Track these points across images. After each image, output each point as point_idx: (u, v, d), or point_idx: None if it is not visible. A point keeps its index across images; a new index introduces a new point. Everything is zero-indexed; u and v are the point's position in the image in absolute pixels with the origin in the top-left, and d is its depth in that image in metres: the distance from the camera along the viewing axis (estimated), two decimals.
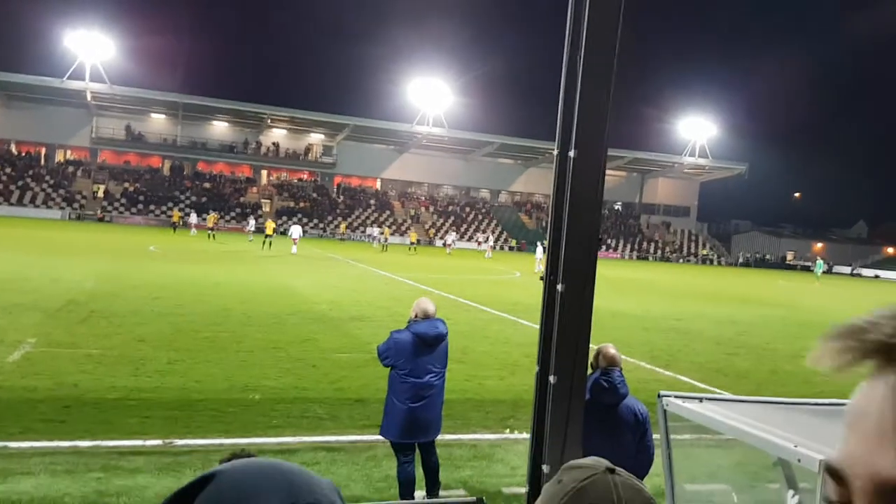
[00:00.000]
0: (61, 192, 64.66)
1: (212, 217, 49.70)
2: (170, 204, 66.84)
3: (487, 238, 59.58)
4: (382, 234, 55.11)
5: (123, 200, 66.24)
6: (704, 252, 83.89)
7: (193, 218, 53.53)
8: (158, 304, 14.87)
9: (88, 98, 64.43)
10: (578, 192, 3.79)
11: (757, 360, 13.76)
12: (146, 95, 65.43)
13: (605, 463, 1.10)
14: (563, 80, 3.90)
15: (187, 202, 67.20)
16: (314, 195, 75.20)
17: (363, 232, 68.36)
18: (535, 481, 3.95)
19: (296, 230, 39.84)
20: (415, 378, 5.51)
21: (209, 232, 47.45)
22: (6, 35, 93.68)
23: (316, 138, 77.03)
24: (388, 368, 5.68)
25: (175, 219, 54.97)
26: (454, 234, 61.61)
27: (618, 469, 1.09)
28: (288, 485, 0.93)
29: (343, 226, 64.96)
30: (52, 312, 12.73)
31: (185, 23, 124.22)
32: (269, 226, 41.58)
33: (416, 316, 5.68)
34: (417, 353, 5.52)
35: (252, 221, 47.91)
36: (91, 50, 61.71)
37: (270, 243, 39.02)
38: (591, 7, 3.72)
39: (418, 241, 52.93)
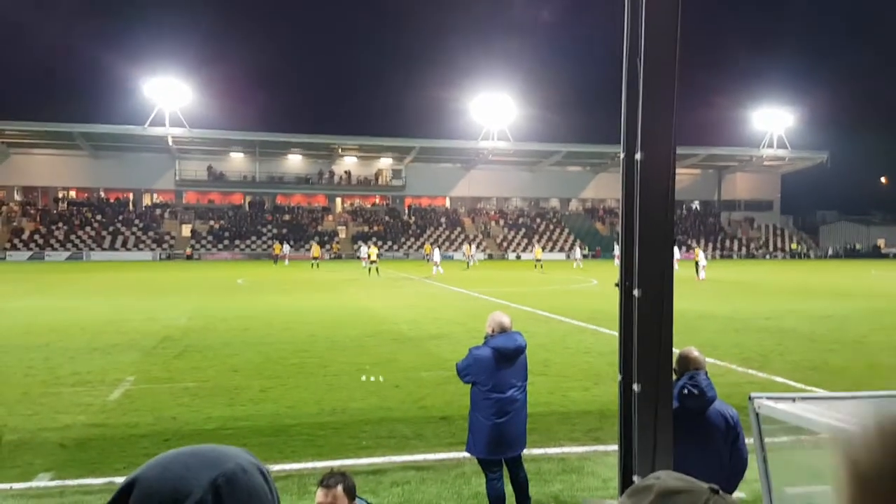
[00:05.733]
0: (150, 234, 67.83)
1: (315, 248, 51.53)
2: (253, 238, 69.30)
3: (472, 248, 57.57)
4: (470, 251, 54.97)
5: (210, 238, 68.98)
6: (794, 246, 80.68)
7: (287, 249, 57.95)
8: (248, 334, 15.36)
9: (170, 143, 67.59)
10: (648, 196, 3.74)
11: (853, 355, 13.12)
12: (224, 136, 68.33)
13: (700, 482, 0.95)
14: (625, 81, 3.86)
15: (269, 235, 69.50)
16: (387, 218, 76.41)
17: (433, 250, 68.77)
18: None
19: (436, 253, 41.34)
20: (498, 393, 5.48)
21: (313, 261, 49.13)
22: (88, 88, 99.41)
23: (385, 163, 78.40)
24: (469, 385, 5.68)
25: (277, 251, 58.00)
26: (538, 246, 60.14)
27: (720, 491, 0.94)
28: (208, 460, 0.98)
29: (428, 247, 64.77)
30: (148, 350, 13.32)
31: (255, 63, 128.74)
32: (373, 252, 41.20)
33: (492, 331, 5.63)
34: (498, 367, 5.48)
35: (365, 249, 49.00)
36: (169, 96, 64.80)
37: (378, 269, 39.32)
38: (648, 5, 3.68)
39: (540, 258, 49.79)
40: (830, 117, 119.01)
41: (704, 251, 40.08)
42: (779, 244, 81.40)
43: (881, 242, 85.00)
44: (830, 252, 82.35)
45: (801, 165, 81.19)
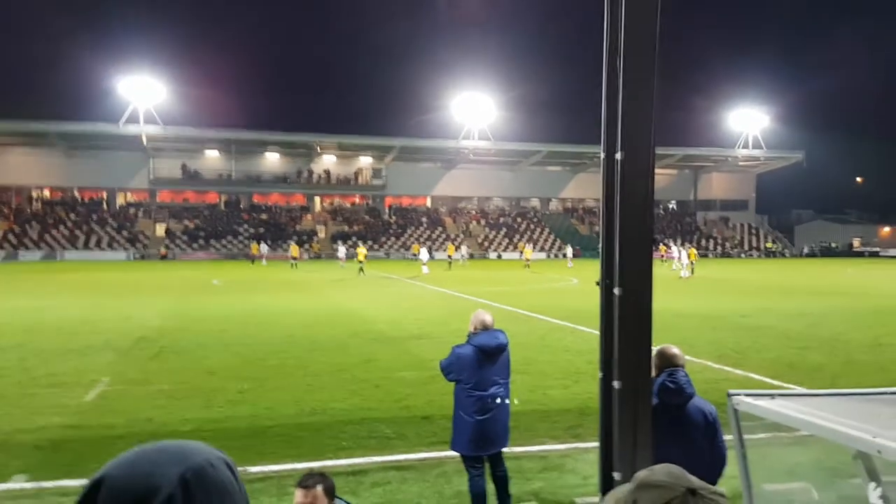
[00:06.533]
0: (124, 233, 67.01)
1: (294, 248, 51.13)
2: (229, 237, 68.74)
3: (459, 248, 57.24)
4: (454, 250, 54.61)
5: (184, 237, 68.28)
6: (769, 245, 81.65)
7: (265, 248, 57.53)
8: (225, 335, 15.23)
9: (144, 141, 66.82)
10: (629, 195, 3.76)
11: (830, 352, 13.31)
12: (199, 134, 67.67)
13: (684, 480, 0.99)
14: (605, 82, 3.88)
15: (246, 234, 68.99)
16: (367, 217, 76.19)
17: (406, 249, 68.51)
18: (608, 490, 3.90)
19: (424, 253, 41.37)
20: (480, 391, 5.52)
21: (291, 262, 48.64)
22: (61, 87, 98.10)
23: (365, 162, 78.13)
24: (452, 383, 5.70)
25: (254, 251, 57.59)
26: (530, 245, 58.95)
27: (699, 488, 0.98)
28: (174, 456, 0.98)
29: (416, 247, 63.78)
30: (124, 351, 13.16)
31: (232, 61, 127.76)
32: (361, 252, 41.11)
33: (475, 329, 5.70)
34: (480, 365, 5.53)
35: (343, 249, 49.19)
36: (143, 95, 64.06)
37: (362, 269, 39.21)
38: (628, 6, 3.70)
39: (529, 259, 49.85)
40: (806, 117, 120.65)
41: (681, 250, 40.59)
42: (754, 243, 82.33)
43: (856, 241, 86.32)
44: (806, 251, 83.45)
45: (777, 165, 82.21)
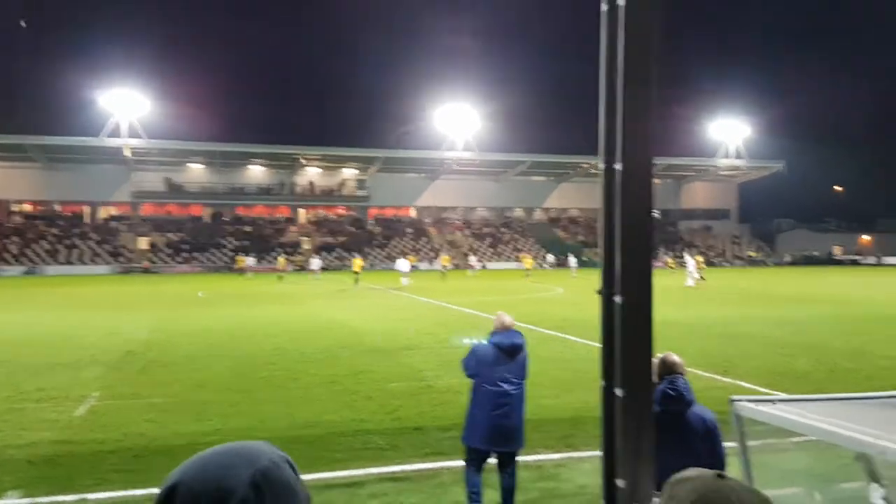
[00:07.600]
0: (107, 247, 66.44)
1: (281, 260, 50.88)
2: (213, 250, 68.35)
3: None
4: (477, 261, 54.46)
5: (168, 250, 67.84)
6: (752, 254, 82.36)
7: (251, 261, 57.30)
8: (213, 348, 15.15)
9: (127, 154, 66.36)
10: (628, 204, 3.81)
11: (815, 359, 13.45)
12: (183, 147, 67.38)
13: (710, 472, 1.12)
14: (603, 95, 3.94)
15: (230, 247, 68.63)
16: (351, 229, 76.09)
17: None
18: (611, 497, 3.93)
19: (403, 264, 41.27)
20: (491, 387, 5.78)
21: (279, 274, 48.49)
22: (41, 99, 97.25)
23: (349, 173, 78.14)
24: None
25: (240, 265, 57.42)
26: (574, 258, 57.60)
27: (725, 475, 1.11)
28: (243, 458, 1.01)
29: (412, 258, 64.20)
30: (112, 365, 13.06)
31: (214, 73, 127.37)
32: (357, 263, 41.08)
33: (494, 328, 6.06)
34: (496, 362, 5.82)
35: (318, 261, 49.28)
36: (125, 107, 63.72)
37: (356, 281, 39.16)
38: (627, 21, 3.77)
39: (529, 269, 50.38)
40: (786, 128, 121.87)
41: (663, 260, 40.94)
42: (736, 252, 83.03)
43: (837, 249, 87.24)
44: (787, 259, 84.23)
45: (758, 175, 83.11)
